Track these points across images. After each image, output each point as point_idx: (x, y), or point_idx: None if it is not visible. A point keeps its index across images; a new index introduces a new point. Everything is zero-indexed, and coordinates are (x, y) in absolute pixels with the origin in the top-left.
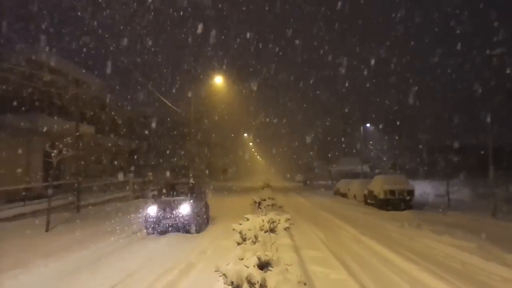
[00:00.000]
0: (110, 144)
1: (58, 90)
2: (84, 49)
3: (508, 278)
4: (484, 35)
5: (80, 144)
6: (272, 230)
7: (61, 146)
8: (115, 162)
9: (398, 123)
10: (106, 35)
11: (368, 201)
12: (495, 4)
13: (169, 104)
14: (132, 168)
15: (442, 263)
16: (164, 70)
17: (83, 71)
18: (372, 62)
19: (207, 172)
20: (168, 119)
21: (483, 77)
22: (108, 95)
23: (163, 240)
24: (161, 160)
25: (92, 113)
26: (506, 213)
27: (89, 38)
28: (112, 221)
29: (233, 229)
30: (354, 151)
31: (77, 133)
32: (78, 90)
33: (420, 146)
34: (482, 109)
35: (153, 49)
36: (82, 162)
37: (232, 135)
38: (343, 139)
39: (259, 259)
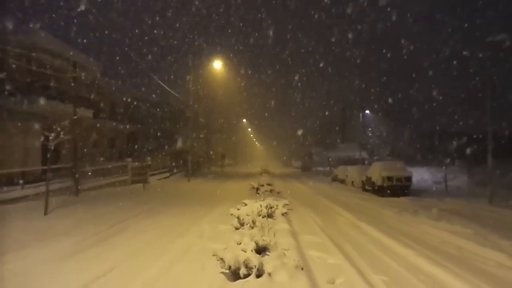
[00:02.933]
0: (108, 128)
1: (56, 73)
2: (83, 31)
3: (503, 263)
4: (485, 21)
5: (78, 128)
6: (270, 216)
7: (59, 129)
8: (114, 146)
9: (397, 109)
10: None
11: (366, 187)
12: None
13: (167, 88)
14: (131, 152)
15: (439, 249)
16: (168, 55)
17: (82, 54)
18: (372, 49)
19: (207, 157)
20: (168, 103)
21: (483, 65)
22: (107, 78)
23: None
24: (160, 145)
25: (90, 97)
26: (503, 199)
27: (88, 19)
28: (110, 205)
29: (231, 214)
30: (352, 137)
31: (75, 117)
32: (76, 73)
33: (418, 134)
34: (481, 97)
35: (154, 31)
36: (81, 146)
37: (233, 121)
38: (342, 126)
39: (256, 244)
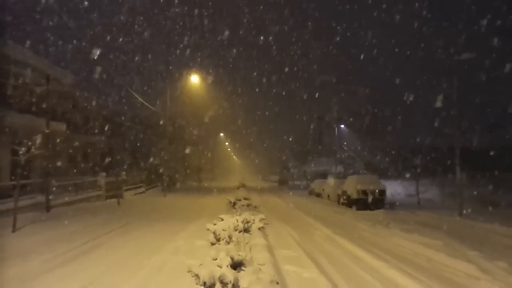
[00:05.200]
0: (82, 142)
1: (28, 85)
2: (57, 44)
3: (471, 274)
4: (453, 39)
5: (51, 142)
6: (246, 230)
7: (29, 143)
8: (88, 161)
9: (371, 124)
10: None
11: (342, 200)
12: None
13: (143, 101)
14: (105, 166)
15: (410, 261)
16: (142, 67)
17: (55, 66)
18: (347, 65)
19: (184, 171)
20: (144, 117)
21: (450, 80)
22: (81, 92)
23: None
24: (135, 159)
25: (63, 110)
26: (472, 211)
27: (61, 32)
28: (83, 221)
29: (207, 229)
30: (329, 151)
31: (47, 130)
32: (49, 86)
33: (391, 148)
34: (450, 112)
35: (129, 45)
36: (53, 160)
37: (210, 134)
38: (318, 140)
39: (232, 259)
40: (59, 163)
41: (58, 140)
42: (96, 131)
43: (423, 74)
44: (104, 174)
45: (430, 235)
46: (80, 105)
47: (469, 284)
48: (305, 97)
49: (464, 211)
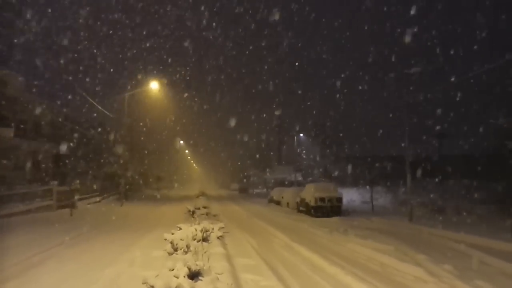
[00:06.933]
0: (32, 149)
1: None
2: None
3: (419, 277)
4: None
5: None
6: (205, 239)
7: None
8: (38, 169)
9: (329, 133)
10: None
11: (300, 208)
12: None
13: (99, 107)
14: (57, 174)
15: (365, 266)
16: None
17: (2, 68)
18: (306, 77)
19: (142, 179)
20: (100, 123)
21: (401, 92)
22: (32, 95)
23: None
24: (91, 167)
25: (11, 115)
26: (421, 217)
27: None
28: (31, 233)
29: (165, 239)
30: (289, 159)
31: None
32: None
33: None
34: (401, 122)
35: (84, 47)
36: None
37: (169, 142)
38: (278, 148)
39: (189, 269)
40: (4, 171)
41: (4, 147)
42: (48, 137)
43: (380, 87)
44: (55, 182)
45: (383, 241)
46: (30, 110)
47: (418, 287)
48: (266, 104)
49: (414, 217)
